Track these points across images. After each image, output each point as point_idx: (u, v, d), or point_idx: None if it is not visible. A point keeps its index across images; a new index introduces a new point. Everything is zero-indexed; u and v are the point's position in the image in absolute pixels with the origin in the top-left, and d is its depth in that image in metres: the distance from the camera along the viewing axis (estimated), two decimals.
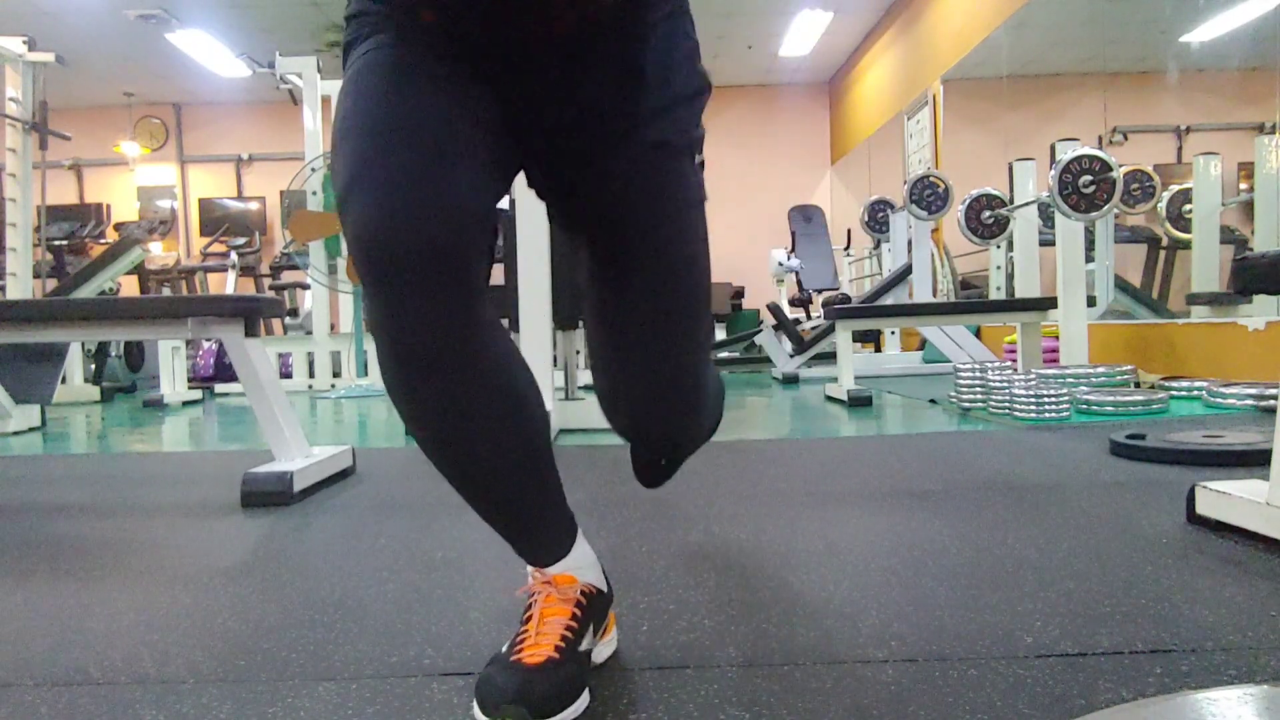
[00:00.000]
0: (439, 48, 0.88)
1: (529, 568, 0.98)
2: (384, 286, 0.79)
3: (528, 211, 2.99)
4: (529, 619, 0.92)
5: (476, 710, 0.84)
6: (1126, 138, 5.07)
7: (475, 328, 0.83)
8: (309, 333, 6.30)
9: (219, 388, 5.98)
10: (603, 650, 0.99)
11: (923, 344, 6.17)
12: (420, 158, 0.81)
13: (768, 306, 6.14)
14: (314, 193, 5.72)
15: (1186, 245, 4.71)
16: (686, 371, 1.03)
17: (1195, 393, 3.42)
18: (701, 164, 1.01)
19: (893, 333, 6.68)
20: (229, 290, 8.04)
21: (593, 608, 0.95)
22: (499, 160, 0.90)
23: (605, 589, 1.00)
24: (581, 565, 0.97)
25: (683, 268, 0.98)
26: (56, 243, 7.63)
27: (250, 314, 2.14)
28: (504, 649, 0.90)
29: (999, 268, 5.59)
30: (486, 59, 0.89)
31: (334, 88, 5.87)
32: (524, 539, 0.96)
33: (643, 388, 1.01)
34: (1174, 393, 3.47)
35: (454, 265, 0.80)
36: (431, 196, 0.80)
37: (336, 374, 5.98)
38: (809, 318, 7.69)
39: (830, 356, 5.24)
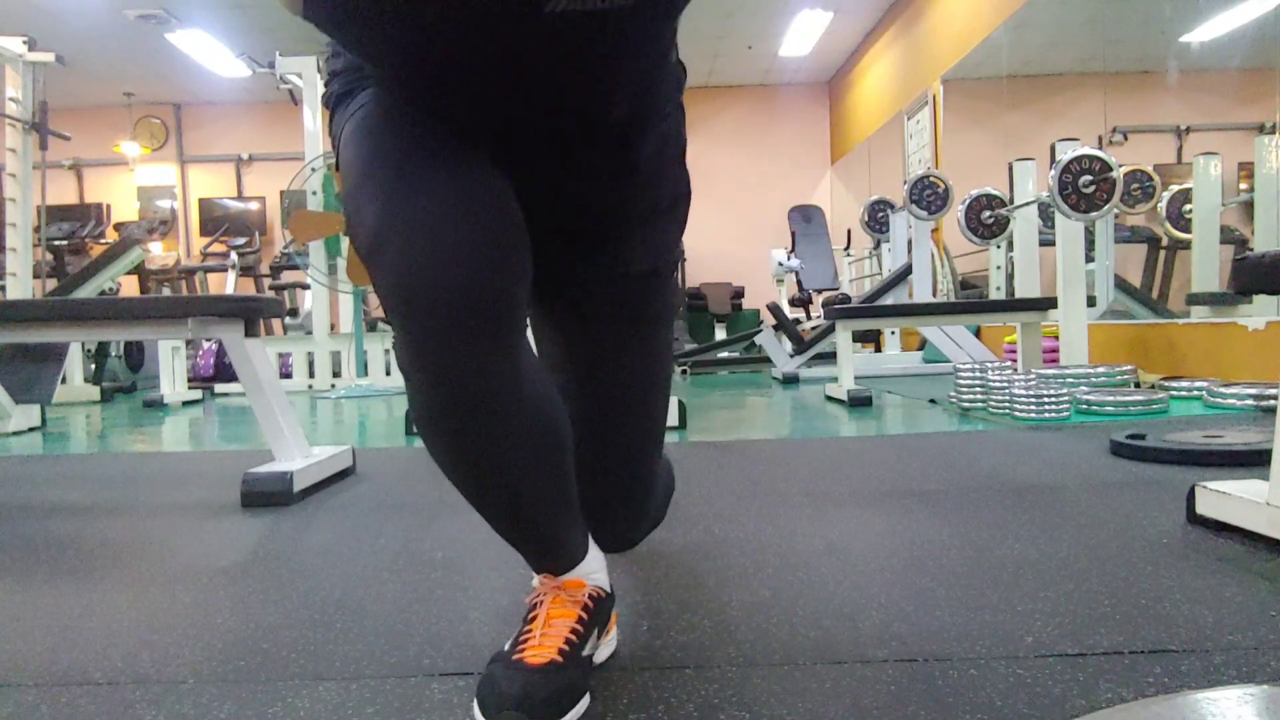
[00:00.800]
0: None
1: (535, 575, 0.98)
2: (429, 331, 0.75)
3: None
4: (534, 617, 0.91)
5: (476, 710, 0.84)
6: (1126, 138, 5.07)
7: (521, 369, 0.82)
8: (309, 333, 6.30)
9: (219, 388, 5.99)
10: (602, 650, 0.99)
11: (923, 344, 6.17)
12: (461, 200, 0.79)
13: (768, 306, 6.14)
14: (314, 193, 5.72)
15: (1186, 245, 4.71)
16: (636, 462, 1.08)
17: (1195, 393, 3.42)
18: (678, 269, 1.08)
19: (893, 333, 6.68)
20: (229, 290, 8.04)
21: (599, 611, 0.95)
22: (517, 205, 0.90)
23: (609, 591, 1.00)
24: (593, 570, 0.98)
25: (647, 373, 1.05)
26: (56, 243, 7.64)
27: (250, 314, 2.14)
28: (507, 646, 0.90)
29: (999, 268, 5.59)
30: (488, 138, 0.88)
31: None
32: (546, 556, 0.96)
33: (594, 464, 1.03)
34: (1174, 393, 3.47)
35: (503, 309, 0.78)
36: (479, 240, 0.77)
37: (336, 374, 5.98)
38: (809, 318, 7.70)
39: (830, 356, 5.25)
